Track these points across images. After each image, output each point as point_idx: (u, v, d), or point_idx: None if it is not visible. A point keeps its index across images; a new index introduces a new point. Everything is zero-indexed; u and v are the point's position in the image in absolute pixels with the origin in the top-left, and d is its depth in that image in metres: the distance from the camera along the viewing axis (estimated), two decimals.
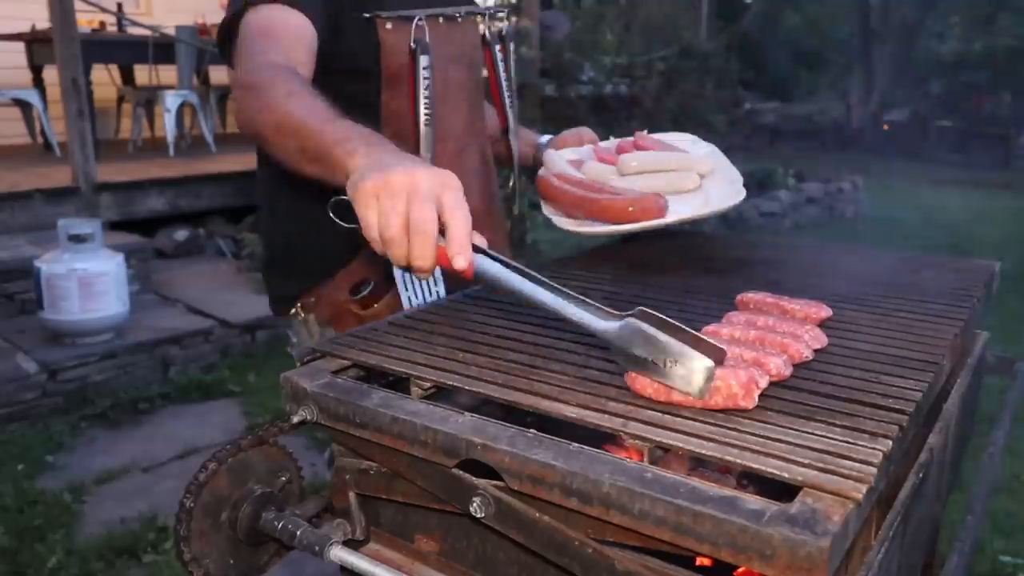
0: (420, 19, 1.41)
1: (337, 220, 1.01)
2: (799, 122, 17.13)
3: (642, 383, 0.91)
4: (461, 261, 0.94)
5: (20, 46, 6.73)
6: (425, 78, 1.41)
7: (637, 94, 8.71)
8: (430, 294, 1.49)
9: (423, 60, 1.40)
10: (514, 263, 0.97)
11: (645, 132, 1.66)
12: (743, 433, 0.82)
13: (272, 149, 1.20)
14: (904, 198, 10.92)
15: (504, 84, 1.61)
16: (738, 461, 0.78)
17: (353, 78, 1.41)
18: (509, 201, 1.76)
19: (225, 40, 1.38)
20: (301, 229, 1.51)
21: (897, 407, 0.88)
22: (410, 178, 0.93)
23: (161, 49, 6.69)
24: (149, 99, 7.10)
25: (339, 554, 0.97)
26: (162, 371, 4.32)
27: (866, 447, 0.79)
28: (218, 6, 7.94)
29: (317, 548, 0.98)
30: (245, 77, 1.25)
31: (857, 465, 0.76)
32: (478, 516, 0.88)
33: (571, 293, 0.94)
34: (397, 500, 1.03)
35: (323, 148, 1.07)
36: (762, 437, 0.81)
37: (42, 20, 5.95)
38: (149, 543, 2.84)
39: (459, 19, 1.52)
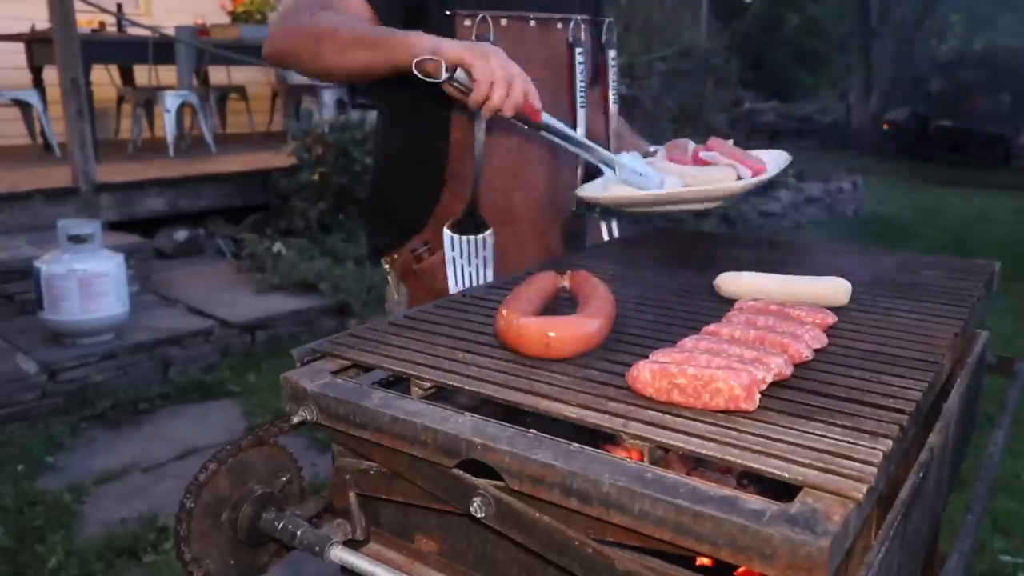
0: (485, 16, 1.57)
1: (421, 76, 1.33)
2: (799, 122, 17.12)
3: (642, 383, 0.91)
4: (539, 105, 1.40)
5: (20, 46, 6.72)
6: None
7: (637, 94, 8.71)
8: (475, 258, 1.64)
9: None
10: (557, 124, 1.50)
11: (730, 142, 1.69)
12: (743, 433, 0.82)
13: (315, 50, 1.46)
14: (904, 198, 10.92)
15: (579, 86, 1.73)
16: (738, 461, 0.78)
17: None
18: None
19: None
20: (395, 195, 1.76)
21: (897, 407, 0.88)
22: (499, 53, 1.34)
23: (161, 49, 6.69)
24: (149, 99, 7.10)
25: (339, 554, 0.97)
26: (162, 371, 4.32)
27: (866, 447, 0.79)
28: (218, 6, 7.96)
29: (317, 548, 0.98)
30: (290, 6, 1.53)
31: (857, 465, 0.76)
32: (478, 516, 0.88)
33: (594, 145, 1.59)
34: (397, 500, 1.03)
35: (379, 37, 1.40)
36: (762, 437, 0.81)
37: (42, 20, 5.95)
38: (149, 543, 2.84)
39: (556, 22, 1.69)
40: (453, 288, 1.60)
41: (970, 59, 17.70)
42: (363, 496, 1.07)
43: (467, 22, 1.56)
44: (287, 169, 6.16)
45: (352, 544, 1.06)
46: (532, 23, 1.65)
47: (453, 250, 1.62)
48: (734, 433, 0.82)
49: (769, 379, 0.91)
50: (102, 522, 2.99)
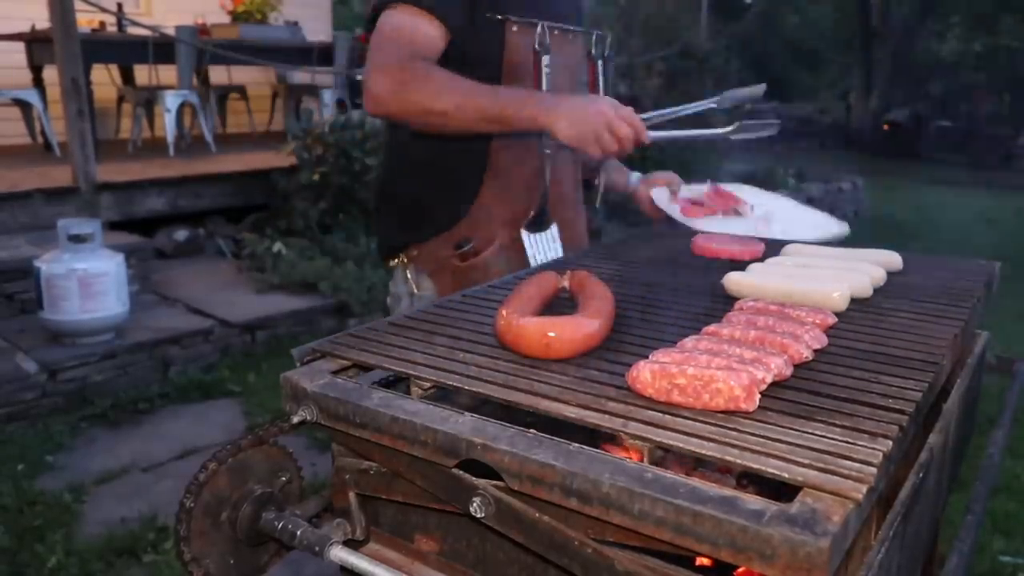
0: (542, 26, 1.68)
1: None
2: (799, 122, 17.12)
3: (642, 383, 0.91)
4: (646, 138, 1.55)
5: (20, 46, 6.73)
6: (547, 74, 1.68)
7: (637, 94, 8.71)
8: (550, 250, 1.78)
9: (545, 59, 1.68)
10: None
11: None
12: (743, 433, 0.82)
13: (441, 121, 1.56)
14: (904, 198, 10.92)
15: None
16: (738, 461, 0.78)
17: (479, 67, 1.63)
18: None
19: (371, 23, 1.65)
20: (423, 191, 1.79)
21: (897, 407, 0.88)
22: (600, 114, 1.49)
23: (161, 49, 6.70)
24: (149, 99, 7.10)
25: (339, 554, 0.97)
26: (162, 371, 4.32)
27: (866, 447, 0.79)
28: (218, 6, 7.96)
29: (317, 548, 0.98)
30: (398, 67, 1.56)
31: (857, 465, 0.76)
32: (478, 516, 0.88)
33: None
34: (397, 500, 1.03)
35: (505, 113, 1.54)
36: (762, 437, 0.81)
37: (42, 20, 5.94)
38: (149, 543, 2.84)
39: (572, 34, 1.79)
40: (532, 260, 1.75)
41: (970, 59, 17.69)
42: (363, 496, 1.07)
43: (515, 28, 1.66)
44: (287, 169, 6.15)
45: (352, 544, 1.06)
46: (556, 32, 1.74)
47: (533, 247, 1.75)
48: (734, 433, 0.82)
49: (769, 379, 0.91)
50: (102, 522, 2.99)
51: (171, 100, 6.72)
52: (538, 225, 1.77)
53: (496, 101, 1.55)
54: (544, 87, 1.68)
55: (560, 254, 1.78)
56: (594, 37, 1.83)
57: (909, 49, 18.20)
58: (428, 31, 1.59)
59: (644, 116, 1.59)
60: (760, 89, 1.81)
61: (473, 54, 1.65)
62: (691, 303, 1.29)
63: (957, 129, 16.48)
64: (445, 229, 1.75)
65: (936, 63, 18.34)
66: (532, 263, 1.74)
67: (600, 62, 1.84)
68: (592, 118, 1.49)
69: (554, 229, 1.79)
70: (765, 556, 0.68)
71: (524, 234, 1.75)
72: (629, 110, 1.53)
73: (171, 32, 6.67)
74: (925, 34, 18.67)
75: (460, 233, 1.75)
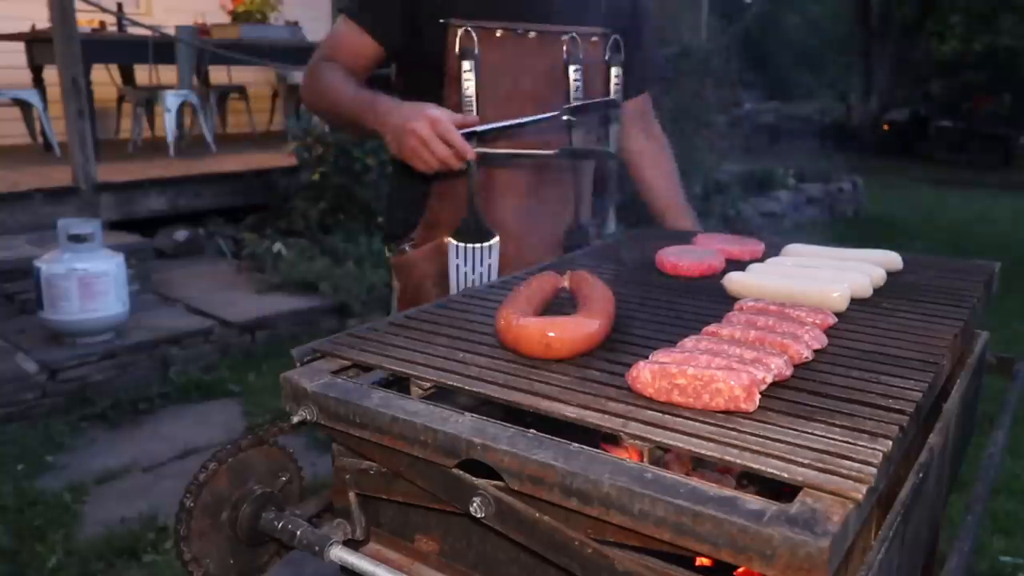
0: (468, 28, 1.61)
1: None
2: (799, 122, 17.10)
3: (642, 383, 0.91)
4: (470, 155, 1.49)
5: (20, 46, 6.73)
6: (466, 80, 1.62)
7: None
8: (480, 264, 1.68)
9: (465, 64, 1.62)
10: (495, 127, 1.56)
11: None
12: (743, 433, 0.82)
13: (326, 119, 1.83)
14: (904, 198, 10.92)
15: (573, 103, 1.69)
16: (738, 461, 0.78)
17: (426, 73, 1.66)
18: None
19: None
20: (397, 195, 1.87)
21: (897, 407, 0.88)
22: (412, 132, 1.45)
23: (161, 49, 6.70)
24: (149, 99, 7.11)
25: (339, 554, 0.97)
26: (162, 371, 4.31)
27: (866, 447, 0.79)
28: (218, 6, 7.96)
29: (317, 548, 0.98)
30: (312, 66, 1.73)
31: (857, 465, 0.76)
32: (478, 516, 0.88)
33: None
34: (397, 500, 1.03)
35: (351, 116, 1.63)
36: (762, 437, 0.81)
37: (42, 20, 5.95)
38: (149, 543, 2.84)
39: (552, 35, 1.69)
40: (452, 270, 1.68)
41: (970, 59, 17.69)
42: (363, 496, 1.07)
43: (460, 32, 1.61)
44: (287, 169, 6.16)
45: (352, 544, 1.06)
46: (532, 35, 1.67)
47: (457, 257, 1.66)
48: (734, 433, 0.82)
49: (769, 379, 0.91)
50: (102, 522, 2.99)
51: (171, 100, 6.72)
52: (468, 235, 1.67)
53: (352, 107, 1.60)
54: (465, 94, 1.61)
55: (494, 269, 1.68)
56: (568, 38, 1.70)
57: (909, 49, 18.20)
58: (360, 43, 1.69)
59: (479, 129, 1.52)
60: (616, 99, 1.71)
61: (423, 62, 1.66)
62: (691, 303, 1.29)
63: (957, 129, 16.47)
64: (412, 229, 1.78)
65: (936, 63, 18.34)
66: (452, 273, 1.68)
67: (573, 67, 1.70)
68: (406, 136, 1.46)
69: (494, 245, 1.67)
70: (765, 556, 0.68)
71: (449, 241, 1.67)
72: (449, 126, 1.46)
73: (171, 32, 6.67)
74: (925, 34, 18.67)
75: (418, 236, 1.77)
